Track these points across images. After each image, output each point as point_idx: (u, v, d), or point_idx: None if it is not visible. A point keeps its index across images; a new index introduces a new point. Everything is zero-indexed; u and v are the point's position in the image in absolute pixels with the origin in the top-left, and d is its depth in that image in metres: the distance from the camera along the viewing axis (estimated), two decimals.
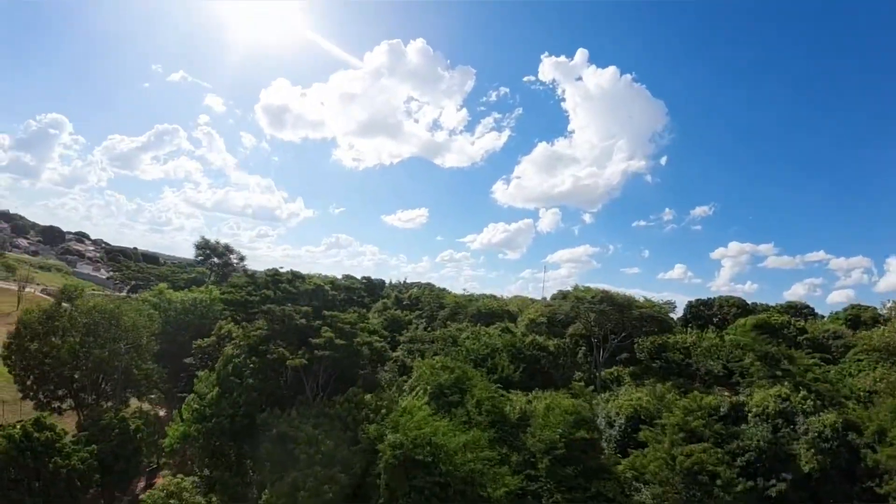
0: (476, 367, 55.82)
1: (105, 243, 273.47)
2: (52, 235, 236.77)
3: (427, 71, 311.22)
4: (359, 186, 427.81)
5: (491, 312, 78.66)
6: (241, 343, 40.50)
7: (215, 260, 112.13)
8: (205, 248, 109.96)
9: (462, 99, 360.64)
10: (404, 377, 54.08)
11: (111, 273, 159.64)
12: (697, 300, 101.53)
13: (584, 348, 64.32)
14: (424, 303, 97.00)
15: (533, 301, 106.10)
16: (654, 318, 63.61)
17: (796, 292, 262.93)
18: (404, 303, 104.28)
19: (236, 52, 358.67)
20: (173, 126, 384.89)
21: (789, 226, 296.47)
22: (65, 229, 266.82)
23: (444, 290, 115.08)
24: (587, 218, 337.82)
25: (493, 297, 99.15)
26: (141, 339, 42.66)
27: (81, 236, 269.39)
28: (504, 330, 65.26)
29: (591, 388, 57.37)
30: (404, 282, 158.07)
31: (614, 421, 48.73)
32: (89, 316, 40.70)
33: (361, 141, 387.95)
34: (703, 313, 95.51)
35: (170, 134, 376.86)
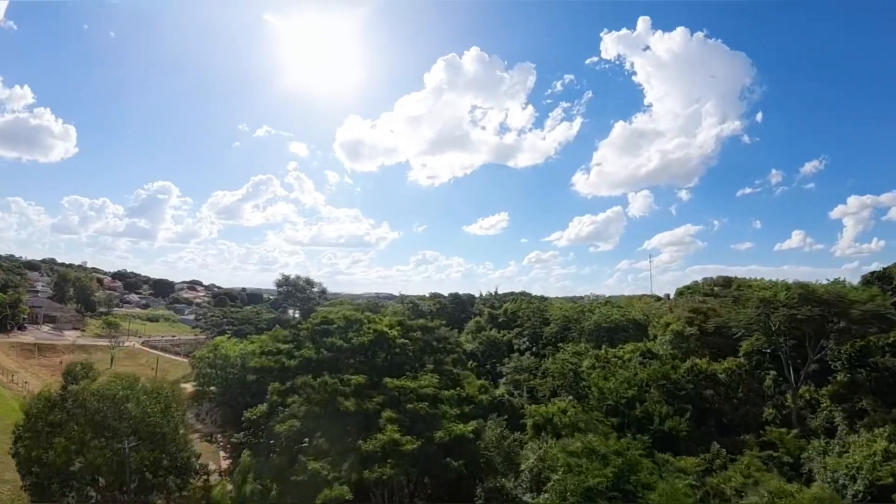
0: (618, 416, 38.34)
1: (217, 287, 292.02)
2: (163, 287, 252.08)
3: (486, 77, 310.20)
4: (437, 202, 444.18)
5: (614, 326, 59.94)
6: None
7: (298, 295, 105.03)
8: (284, 284, 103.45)
9: (526, 96, 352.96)
10: (516, 440, 38.09)
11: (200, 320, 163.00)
12: (872, 273, 73.65)
13: (772, 372, 43.39)
14: (524, 317, 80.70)
15: (659, 300, 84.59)
16: (879, 317, 41.15)
17: None
18: (499, 319, 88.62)
19: (308, 98, 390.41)
20: (267, 176, 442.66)
21: None
22: (183, 279, 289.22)
23: (544, 299, 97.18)
24: (683, 195, 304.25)
25: (610, 303, 79.24)
26: (161, 427, 31.61)
27: (194, 284, 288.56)
28: (645, 354, 46.64)
29: (790, 431, 37.16)
30: (495, 293, 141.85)
31: (846, 487, 29.43)
32: (94, 402, 30.38)
33: (433, 159, 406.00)
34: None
35: (265, 183, 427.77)
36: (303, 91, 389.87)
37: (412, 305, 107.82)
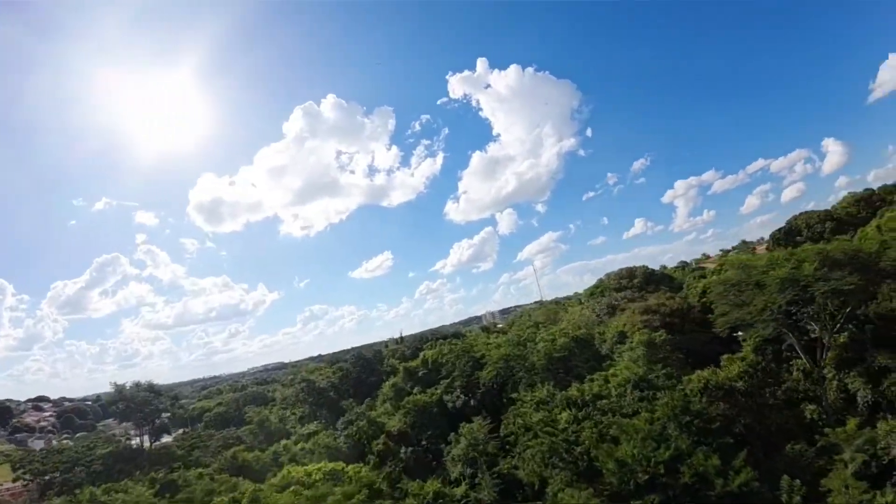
0: (656, 492, 25.88)
1: (68, 400, 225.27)
2: (2, 414, 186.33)
3: (347, 122, 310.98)
4: (316, 252, 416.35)
5: (567, 354, 48.74)
6: None
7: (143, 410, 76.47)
8: (118, 401, 75.21)
9: (389, 138, 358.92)
10: None
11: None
12: (779, 230, 76.71)
13: (798, 360, 35.01)
14: (449, 364, 66.70)
15: (580, 305, 77.07)
16: None
17: (751, 204, 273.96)
18: (419, 373, 73.26)
19: (150, 161, 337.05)
20: (112, 255, 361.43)
21: (722, 148, 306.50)
22: (32, 394, 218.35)
23: (465, 336, 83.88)
24: (540, 207, 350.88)
25: (542, 305, 69.16)
26: None
27: (40, 402, 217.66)
28: (639, 384, 35.46)
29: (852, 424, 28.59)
30: (400, 338, 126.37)
31: None
32: None
33: (304, 208, 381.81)
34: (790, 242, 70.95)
35: (111, 263, 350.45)
36: (143, 154, 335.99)
37: (306, 384, 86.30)
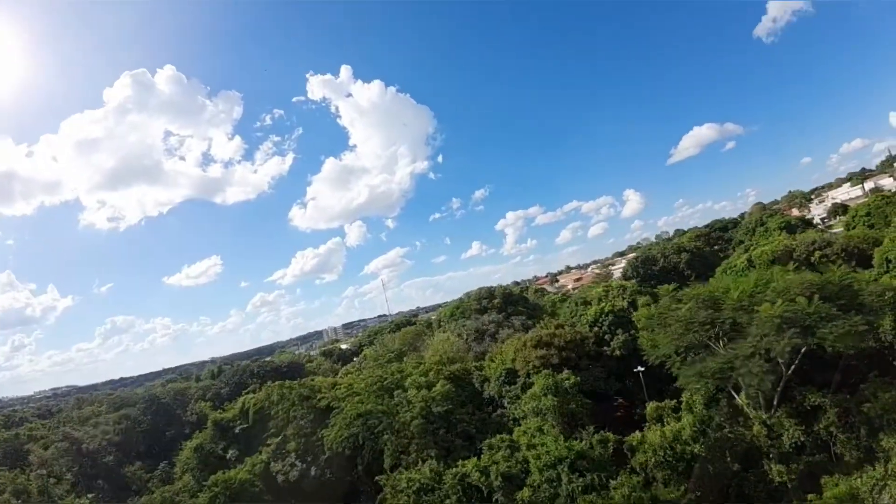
0: None
1: None
2: None
3: (184, 100, 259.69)
4: (125, 251, 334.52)
5: (450, 407, 36.23)
6: None
7: None
8: None
9: (232, 127, 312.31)
10: None
11: None
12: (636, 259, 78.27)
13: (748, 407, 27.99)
14: (281, 417, 48.35)
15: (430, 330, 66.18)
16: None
17: (565, 237, 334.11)
18: (236, 430, 52.47)
19: None
20: None
21: (548, 188, 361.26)
22: None
23: (306, 376, 65.19)
24: (390, 223, 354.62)
25: (388, 320, 56.34)
26: None
27: None
28: (574, 463, 24.61)
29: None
30: (217, 371, 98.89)
31: None
32: None
33: (115, 195, 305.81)
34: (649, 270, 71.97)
35: None
36: None
37: (69, 445, 56.83)
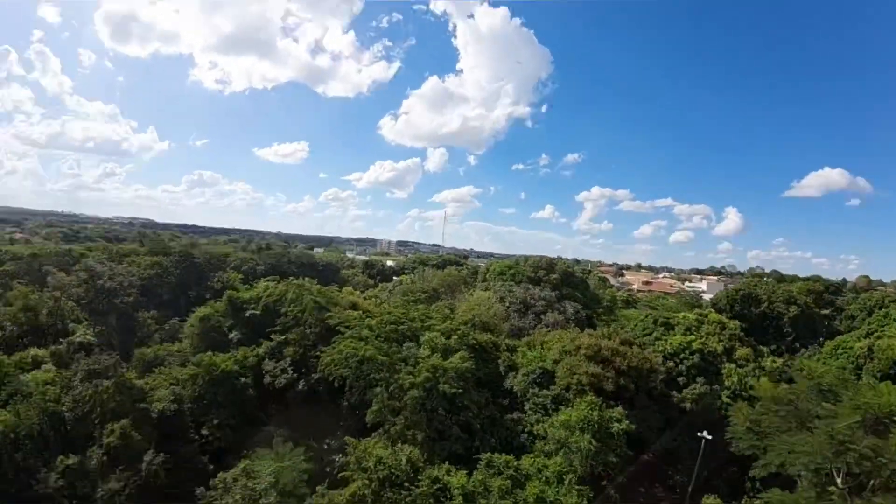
0: None
1: None
2: None
3: None
4: (225, 114, 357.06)
5: (460, 387, 29.33)
6: None
7: None
8: None
9: (349, 20, 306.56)
10: None
11: None
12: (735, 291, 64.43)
13: None
14: (289, 316, 44.01)
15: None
16: None
17: (644, 232, 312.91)
18: (248, 312, 49.41)
19: None
20: (4, 47, 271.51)
21: (644, 174, 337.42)
22: None
23: (331, 277, 60.55)
24: (472, 160, 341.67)
25: (440, 253, 50.34)
26: None
27: None
28: None
29: None
30: (264, 246, 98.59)
31: None
32: None
33: (226, 59, 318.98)
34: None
35: None
36: None
37: (88, 276, 54.83)
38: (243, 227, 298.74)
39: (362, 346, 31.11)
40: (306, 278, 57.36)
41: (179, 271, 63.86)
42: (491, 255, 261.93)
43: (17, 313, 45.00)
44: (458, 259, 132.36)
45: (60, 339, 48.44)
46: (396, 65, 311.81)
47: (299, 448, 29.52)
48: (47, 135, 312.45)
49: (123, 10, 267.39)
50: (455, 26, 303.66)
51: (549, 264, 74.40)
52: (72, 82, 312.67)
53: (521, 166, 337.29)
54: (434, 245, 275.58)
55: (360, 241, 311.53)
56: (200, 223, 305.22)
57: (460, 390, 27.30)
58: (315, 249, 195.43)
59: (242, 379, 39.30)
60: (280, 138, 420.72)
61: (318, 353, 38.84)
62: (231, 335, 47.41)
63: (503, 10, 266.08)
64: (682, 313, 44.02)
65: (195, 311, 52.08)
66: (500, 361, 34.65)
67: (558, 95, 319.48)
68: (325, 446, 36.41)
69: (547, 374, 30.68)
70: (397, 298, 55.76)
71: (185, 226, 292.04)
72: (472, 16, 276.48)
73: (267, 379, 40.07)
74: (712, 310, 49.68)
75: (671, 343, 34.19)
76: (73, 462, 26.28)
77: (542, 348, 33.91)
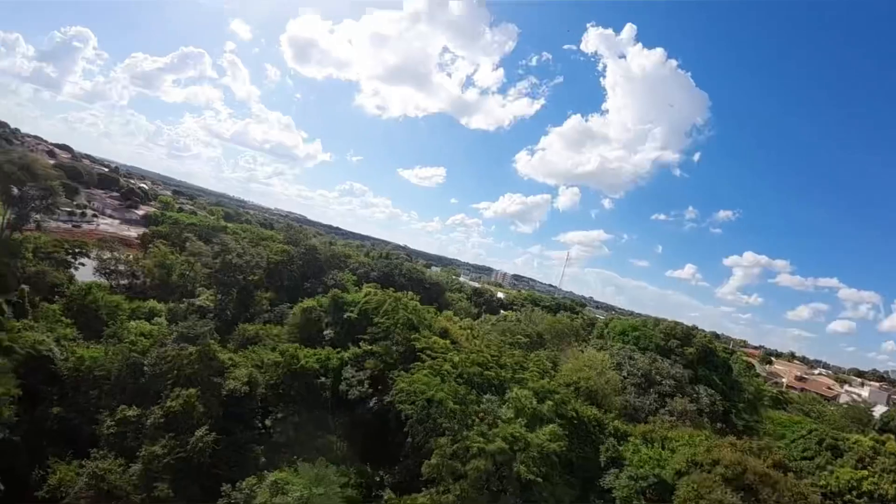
0: None
1: (91, 158, 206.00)
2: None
3: (468, 23, 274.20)
4: (380, 136, 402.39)
5: (544, 472, 22.90)
6: None
7: None
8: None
9: (500, 58, 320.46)
10: None
11: None
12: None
13: None
14: (381, 328, 41.53)
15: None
16: None
17: (800, 314, 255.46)
18: (346, 314, 48.62)
19: None
20: (199, 50, 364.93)
21: (809, 246, 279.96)
22: (80, 147, 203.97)
23: (435, 296, 57.57)
24: (606, 203, 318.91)
25: (554, 295, 43.50)
26: None
27: (56, 149, 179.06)
28: None
29: None
30: (382, 255, 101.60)
31: None
32: None
33: (387, 88, 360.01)
34: None
35: (194, 58, 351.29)
36: None
37: (221, 250, 59.25)
38: (377, 237, 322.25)
39: (436, 383, 26.49)
40: (410, 292, 55.48)
41: (302, 262, 67.21)
42: (612, 307, 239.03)
43: (152, 267, 50.30)
44: (573, 305, 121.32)
45: (184, 299, 53.68)
46: (541, 101, 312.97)
47: (343, 475, 25.91)
48: (232, 131, 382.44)
49: (306, 36, 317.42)
50: (605, 66, 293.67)
51: (686, 334, 61.77)
52: (258, 91, 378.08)
53: (662, 217, 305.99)
54: (550, 285, 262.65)
55: (478, 269, 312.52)
56: (343, 227, 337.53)
57: (540, 478, 20.85)
58: (432, 267, 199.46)
59: (321, 379, 37.71)
60: (422, 162, 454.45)
61: (398, 372, 35.47)
62: (326, 332, 46.89)
63: (658, 51, 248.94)
64: (855, 436, 31.15)
65: (303, 301, 53.27)
66: (601, 448, 27.02)
67: (714, 144, 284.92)
68: (378, 478, 32.54)
69: (663, 488, 22.45)
70: (494, 336, 50.23)
71: (329, 226, 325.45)
72: (623, 56, 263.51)
73: (343, 386, 37.86)
74: (893, 436, 34.57)
75: (839, 478, 23.11)
76: (132, 414, 26.24)
77: (664, 447, 25.48)
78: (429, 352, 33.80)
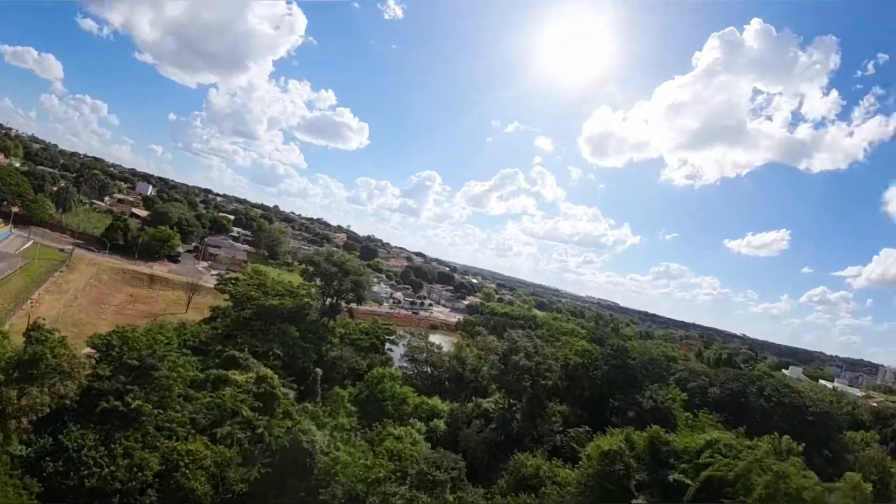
0: None
1: (436, 260, 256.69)
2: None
3: (774, 55, 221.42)
4: (695, 207, 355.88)
5: None
6: None
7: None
8: None
9: (827, 79, 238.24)
10: None
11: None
12: None
13: None
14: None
15: None
16: None
17: None
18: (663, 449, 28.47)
19: (558, 93, 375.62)
20: (513, 169, 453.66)
21: None
22: (431, 253, 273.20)
23: None
24: None
25: None
26: None
27: (400, 252, 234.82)
28: None
29: None
30: (752, 354, 71.53)
31: None
32: None
33: (695, 154, 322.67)
34: None
35: (510, 176, 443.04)
36: (552, 86, 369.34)
37: (498, 360, 48.88)
38: (704, 324, 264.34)
39: None
40: (784, 436, 30.92)
41: (608, 367, 51.40)
42: None
43: (450, 360, 46.04)
44: None
45: (473, 397, 46.98)
46: None
47: None
48: (545, 230, 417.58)
49: (601, 131, 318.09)
50: None
51: None
52: (564, 192, 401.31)
53: None
54: None
55: (851, 365, 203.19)
56: (660, 313, 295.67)
57: None
58: (790, 368, 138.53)
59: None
60: (755, 228, 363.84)
61: None
62: (637, 499, 28.95)
63: None
64: None
65: (610, 429, 36.96)
66: None
67: None
68: None
69: None
70: None
71: (645, 313, 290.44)
72: None
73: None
74: None
75: None
76: None
77: None
78: None
